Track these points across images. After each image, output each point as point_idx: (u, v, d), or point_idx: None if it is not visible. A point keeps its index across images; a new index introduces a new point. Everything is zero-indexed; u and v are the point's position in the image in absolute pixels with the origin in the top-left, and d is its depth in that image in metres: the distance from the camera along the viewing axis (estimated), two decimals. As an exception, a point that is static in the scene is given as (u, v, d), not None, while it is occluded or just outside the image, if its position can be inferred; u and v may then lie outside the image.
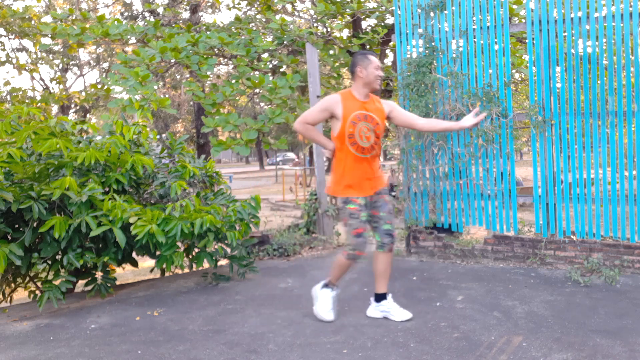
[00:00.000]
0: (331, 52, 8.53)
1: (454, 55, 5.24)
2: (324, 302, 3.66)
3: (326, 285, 3.70)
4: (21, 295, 5.23)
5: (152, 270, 4.98)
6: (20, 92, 12.31)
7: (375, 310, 3.67)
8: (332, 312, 3.65)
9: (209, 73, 7.28)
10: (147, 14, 18.52)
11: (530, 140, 5.06)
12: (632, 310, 3.67)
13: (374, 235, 3.62)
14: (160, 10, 16.10)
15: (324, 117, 3.49)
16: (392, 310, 3.60)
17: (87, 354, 3.22)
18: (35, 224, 4.10)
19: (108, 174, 4.33)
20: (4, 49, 14.05)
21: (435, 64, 5.30)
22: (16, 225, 4.18)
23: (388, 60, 10.87)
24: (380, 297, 3.65)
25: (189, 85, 7.24)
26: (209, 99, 6.86)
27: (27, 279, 4.69)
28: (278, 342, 3.29)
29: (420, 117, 3.88)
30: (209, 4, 17.29)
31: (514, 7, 6.72)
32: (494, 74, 5.08)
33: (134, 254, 4.66)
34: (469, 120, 3.54)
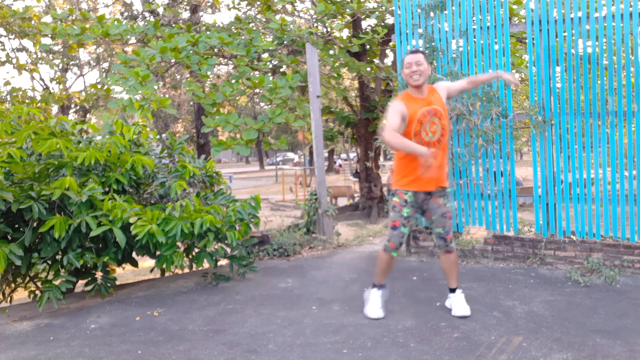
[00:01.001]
0: (331, 52, 8.52)
1: (454, 55, 5.24)
2: (372, 302, 3.70)
3: (374, 286, 3.74)
4: (21, 295, 5.23)
5: (152, 270, 4.98)
6: (20, 92, 12.31)
7: (447, 300, 3.81)
8: (381, 310, 3.67)
9: (209, 73, 7.27)
10: (147, 14, 18.52)
11: (530, 140, 5.06)
12: (632, 310, 3.67)
13: (433, 237, 3.69)
14: (160, 10, 16.09)
15: (401, 122, 3.41)
16: (454, 304, 3.68)
17: (87, 354, 3.22)
18: (35, 224, 4.10)
19: (108, 174, 4.33)
20: (4, 49, 14.05)
21: (435, 64, 5.30)
22: (16, 225, 4.18)
23: (388, 60, 10.87)
24: (450, 291, 3.75)
25: (189, 85, 7.24)
26: (209, 99, 6.85)
27: (27, 279, 4.69)
28: (278, 342, 3.29)
29: (462, 80, 3.91)
30: (209, 4, 17.29)
31: (514, 7, 6.72)
32: (494, 74, 5.08)
33: (134, 254, 4.66)
34: (505, 74, 3.70)
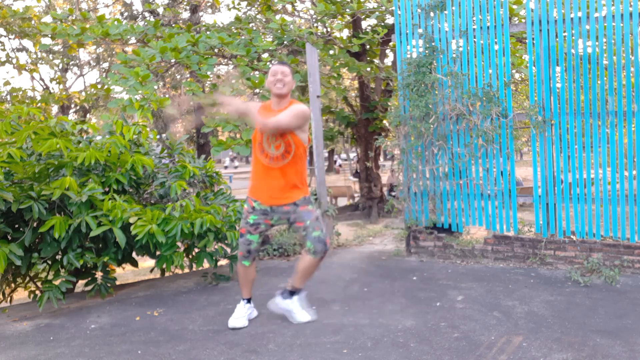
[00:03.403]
0: (331, 52, 8.52)
1: (454, 55, 5.24)
2: (236, 312, 3.65)
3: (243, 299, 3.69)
4: (21, 295, 5.23)
5: (152, 270, 4.98)
6: (20, 92, 12.30)
7: (275, 303, 3.66)
8: (245, 319, 3.62)
9: (209, 73, 7.27)
10: (147, 14, 18.52)
11: (530, 140, 5.06)
12: (632, 310, 3.67)
13: (304, 243, 3.52)
14: (160, 10, 16.09)
15: (243, 112, 3.37)
16: (295, 309, 3.60)
17: (87, 354, 3.22)
18: (35, 224, 4.10)
19: (108, 174, 4.33)
20: (4, 49, 14.03)
21: (435, 64, 5.30)
22: (16, 225, 4.18)
23: (388, 60, 10.87)
24: (292, 293, 3.61)
25: (189, 85, 7.24)
26: (209, 99, 6.85)
27: (27, 279, 4.69)
28: (278, 342, 3.29)
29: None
30: (209, 4, 17.29)
31: (514, 7, 6.72)
32: (494, 74, 5.08)
33: (134, 254, 4.66)
34: None
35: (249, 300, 3.68)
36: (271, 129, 3.30)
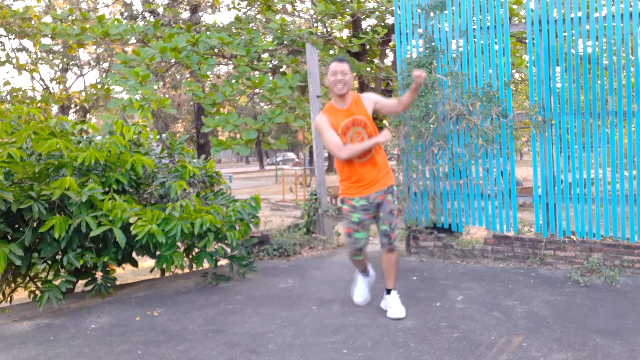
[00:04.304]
0: (331, 52, 8.52)
1: (454, 55, 5.24)
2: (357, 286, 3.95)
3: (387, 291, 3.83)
4: (21, 295, 5.23)
5: (152, 270, 4.98)
6: (20, 92, 12.30)
7: (383, 302, 3.83)
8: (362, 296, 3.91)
9: (209, 73, 7.28)
10: (147, 14, 18.53)
11: (530, 140, 5.06)
12: (632, 310, 3.67)
13: (378, 235, 3.73)
14: (160, 10, 16.10)
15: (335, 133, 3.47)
16: (389, 305, 3.70)
17: (87, 354, 3.22)
18: (35, 224, 4.10)
19: (108, 174, 4.33)
20: (4, 49, 14.03)
21: (435, 64, 5.30)
22: (16, 225, 4.18)
23: (388, 60, 10.87)
24: (387, 292, 3.77)
25: (189, 85, 7.25)
26: (209, 99, 6.86)
27: (27, 279, 4.69)
28: (278, 342, 3.29)
29: (393, 100, 3.74)
30: (209, 4, 17.29)
31: (514, 7, 6.73)
32: (494, 74, 5.08)
33: (134, 254, 4.66)
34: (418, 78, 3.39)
35: (367, 274, 3.91)
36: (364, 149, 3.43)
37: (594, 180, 4.75)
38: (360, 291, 3.92)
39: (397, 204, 3.67)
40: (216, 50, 7.75)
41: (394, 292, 3.73)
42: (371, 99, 3.58)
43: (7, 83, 12.96)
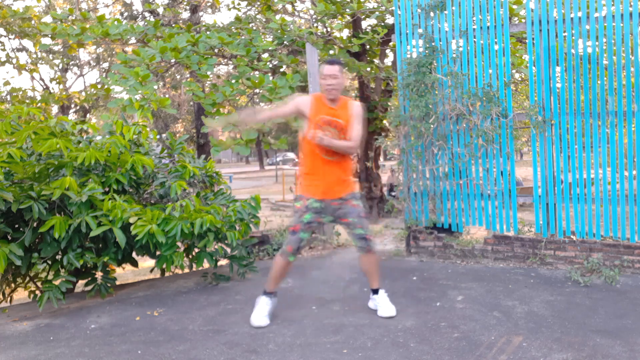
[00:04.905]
0: (331, 52, 8.52)
1: (454, 55, 5.24)
2: (258, 309, 3.67)
3: (264, 292, 3.71)
4: (21, 295, 5.23)
5: (152, 270, 4.98)
6: (20, 92, 12.29)
7: (370, 302, 3.85)
8: (267, 317, 3.63)
9: (209, 73, 7.27)
10: (147, 14, 18.53)
11: (530, 140, 5.06)
12: (632, 310, 3.67)
13: (352, 241, 3.69)
14: (160, 10, 16.10)
15: (291, 112, 3.55)
16: (379, 305, 3.72)
17: (87, 354, 3.22)
18: (35, 224, 4.10)
19: (108, 174, 4.33)
20: (4, 49, 14.01)
21: (435, 64, 5.30)
22: (16, 225, 4.18)
23: (388, 60, 10.87)
24: (373, 292, 3.80)
25: (189, 85, 7.24)
26: (209, 99, 6.85)
27: (27, 279, 4.69)
28: (278, 342, 3.29)
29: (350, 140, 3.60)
30: (209, 4, 17.29)
31: (514, 7, 6.72)
32: (494, 74, 5.08)
33: (134, 254, 4.66)
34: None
35: (274, 295, 3.72)
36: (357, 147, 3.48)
37: (594, 180, 4.75)
38: (264, 312, 3.63)
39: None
40: (216, 50, 7.74)
41: (381, 291, 3.75)
42: (355, 114, 3.54)
43: (7, 83, 12.95)
